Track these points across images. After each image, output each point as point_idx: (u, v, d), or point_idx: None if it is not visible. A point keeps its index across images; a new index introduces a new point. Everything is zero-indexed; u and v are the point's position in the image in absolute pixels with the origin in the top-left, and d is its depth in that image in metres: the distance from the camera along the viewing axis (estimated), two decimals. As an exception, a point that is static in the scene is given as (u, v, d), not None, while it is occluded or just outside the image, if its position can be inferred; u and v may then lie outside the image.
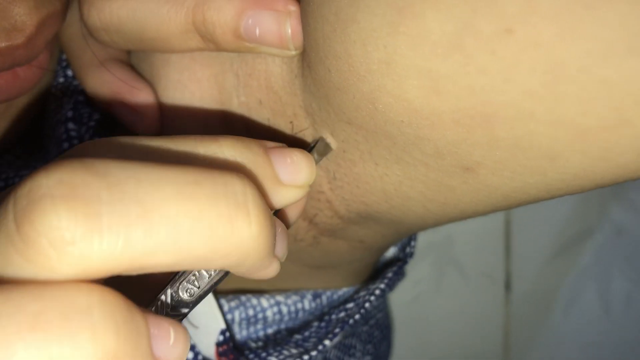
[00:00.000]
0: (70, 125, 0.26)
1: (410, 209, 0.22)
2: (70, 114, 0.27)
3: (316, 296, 0.29)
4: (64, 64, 0.28)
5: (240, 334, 0.28)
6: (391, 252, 0.33)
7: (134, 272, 0.16)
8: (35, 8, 0.22)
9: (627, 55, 0.14)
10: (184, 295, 0.18)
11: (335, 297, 0.30)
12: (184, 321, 0.26)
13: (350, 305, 0.29)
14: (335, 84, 0.19)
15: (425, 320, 0.75)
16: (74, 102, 0.27)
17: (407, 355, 0.75)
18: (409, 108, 0.18)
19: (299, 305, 0.29)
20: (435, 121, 0.18)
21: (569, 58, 0.15)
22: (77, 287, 0.14)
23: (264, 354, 0.27)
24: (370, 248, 0.28)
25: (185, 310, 0.18)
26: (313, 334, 0.28)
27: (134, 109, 0.24)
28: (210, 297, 0.26)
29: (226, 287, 0.28)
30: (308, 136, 0.22)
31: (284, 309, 0.28)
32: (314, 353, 0.27)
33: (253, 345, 0.28)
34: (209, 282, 0.18)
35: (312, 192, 0.24)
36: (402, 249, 0.33)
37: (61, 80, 0.28)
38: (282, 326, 0.29)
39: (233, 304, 0.27)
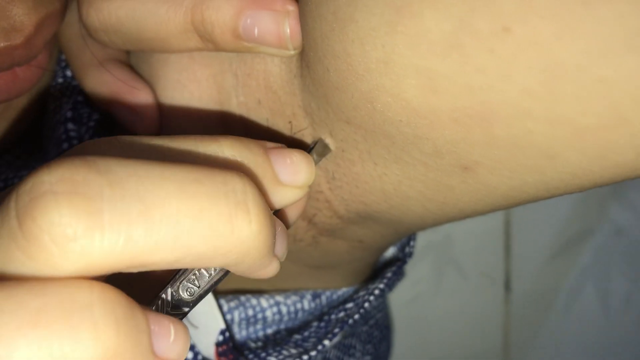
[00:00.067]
0: (70, 126, 0.26)
1: (409, 209, 0.22)
2: (69, 114, 0.27)
3: (315, 296, 0.29)
4: (63, 64, 0.28)
5: (239, 334, 0.28)
6: (390, 252, 0.33)
7: (135, 270, 0.16)
8: (34, 8, 0.22)
9: (625, 54, 0.14)
10: (184, 295, 0.18)
11: (334, 297, 0.30)
12: (184, 321, 0.26)
13: (349, 305, 0.29)
14: (334, 84, 0.19)
15: (424, 320, 0.75)
16: (73, 103, 0.27)
17: (406, 355, 0.75)
18: (408, 107, 0.18)
19: (299, 306, 0.29)
20: (434, 120, 0.18)
21: (567, 57, 0.15)
22: (78, 283, 0.14)
23: (263, 354, 0.27)
24: (370, 248, 0.28)
25: (185, 310, 0.18)
26: (312, 334, 0.28)
27: (133, 109, 0.24)
28: (209, 297, 0.26)
29: (226, 287, 0.28)
30: (307, 136, 0.22)
31: (284, 309, 0.28)
32: (313, 353, 0.27)
33: (252, 345, 0.28)
34: (209, 282, 0.19)
35: (311, 192, 0.24)
36: (402, 248, 0.33)
37: (60, 80, 0.28)
38: (282, 326, 0.29)
39: (232, 304, 0.27)
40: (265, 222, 0.17)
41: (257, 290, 0.29)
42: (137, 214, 0.15)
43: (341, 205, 0.23)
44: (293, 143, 0.23)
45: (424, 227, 0.25)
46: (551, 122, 0.16)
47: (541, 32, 0.15)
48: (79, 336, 0.14)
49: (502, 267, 0.75)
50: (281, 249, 0.19)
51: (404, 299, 0.73)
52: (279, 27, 0.20)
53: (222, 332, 0.26)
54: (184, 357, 0.16)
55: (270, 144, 0.20)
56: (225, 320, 0.27)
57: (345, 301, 0.30)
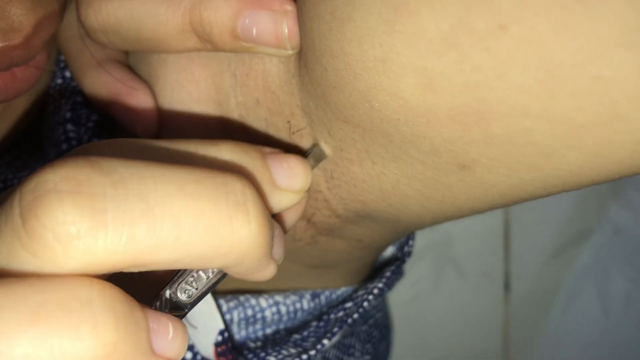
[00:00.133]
0: (69, 126, 0.26)
1: (407, 207, 0.22)
2: (68, 115, 0.27)
3: (315, 296, 0.29)
4: (62, 65, 0.28)
5: (239, 334, 0.28)
6: (389, 251, 0.33)
7: (136, 269, 0.16)
8: (33, 9, 0.22)
9: (621, 51, 0.15)
10: (182, 296, 0.18)
11: (333, 296, 0.30)
12: (182, 321, 0.26)
13: (348, 304, 0.29)
14: (332, 83, 0.19)
15: (424, 320, 0.75)
16: (72, 103, 0.27)
17: (406, 355, 0.75)
18: (405, 106, 0.18)
19: (298, 305, 0.29)
20: (431, 119, 0.18)
21: (563, 54, 0.15)
22: (78, 280, 0.14)
23: (262, 354, 0.27)
24: (369, 247, 0.28)
25: (183, 312, 0.18)
26: (312, 334, 0.28)
27: (132, 110, 0.25)
28: (208, 297, 0.26)
29: (225, 287, 0.28)
30: (305, 135, 0.22)
31: (283, 309, 0.28)
32: (312, 352, 0.27)
33: (252, 345, 0.28)
34: (206, 284, 0.19)
35: (310, 192, 0.24)
36: (400, 248, 0.33)
37: (59, 81, 0.28)
38: (281, 326, 0.29)
39: (232, 304, 0.27)
40: (264, 224, 0.17)
41: (256, 290, 0.29)
42: (139, 214, 0.15)
43: (340, 205, 0.23)
44: (291, 148, 0.23)
45: (422, 226, 0.25)
46: (548, 119, 0.16)
47: (537, 30, 0.15)
48: (78, 332, 0.14)
49: (501, 267, 0.75)
50: (278, 252, 0.19)
51: (403, 299, 0.73)
52: (277, 27, 0.20)
53: (221, 332, 0.26)
54: (183, 355, 0.16)
55: (267, 149, 0.20)
56: (224, 321, 0.27)
57: (345, 301, 0.30)
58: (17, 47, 0.22)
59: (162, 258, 0.16)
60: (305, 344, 0.28)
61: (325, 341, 0.28)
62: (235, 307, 0.27)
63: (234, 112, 0.24)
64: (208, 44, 0.22)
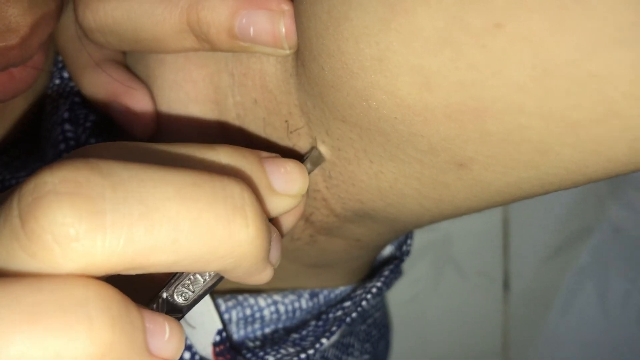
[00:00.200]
0: (67, 127, 0.27)
1: (405, 206, 0.22)
2: (66, 115, 0.27)
3: (313, 295, 0.29)
4: (60, 65, 0.28)
5: (237, 333, 0.28)
6: (388, 250, 0.33)
7: (134, 271, 0.16)
8: (29, 9, 0.22)
9: (616, 49, 0.15)
10: (179, 299, 0.18)
11: (332, 295, 0.30)
12: (181, 321, 0.26)
13: (347, 303, 0.29)
14: (329, 82, 0.19)
15: (423, 320, 0.75)
16: (70, 104, 0.27)
17: (405, 354, 0.75)
18: (402, 104, 0.18)
19: (296, 305, 0.29)
20: (428, 117, 0.18)
21: (558, 52, 0.15)
22: (74, 280, 0.14)
23: (261, 353, 0.27)
24: (367, 246, 0.28)
25: (179, 315, 0.18)
26: (310, 333, 0.28)
27: (130, 110, 0.25)
28: (206, 297, 0.26)
29: (223, 286, 0.28)
30: (303, 134, 0.22)
31: (281, 308, 0.28)
32: (311, 352, 0.27)
33: (251, 344, 0.28)
34: (203, 287, 0.19)
35: (308, 191, 0.24)
36: (399, 247, 0.33)
37: (57, 81, 0.28)
38: (280, 325, 0.29)
39: (230, 303, 0.27)
40: (262, 228, 0.17)
41: (255, 289, 0.29)
42: (138, 216, 0.15)
43: (338, 204, 0.24)
44: (288, 152, 0.23)
45: (420, 224, 0.25)
46: (543, 117, 0.16)
47: (532, 27, 0.15)
48: (74, 332, 0.14)
49: (500, 266, 0.75)
50: (275, 256, 0.19)
51: (402, 299, 0.73)
52: (275, 26, 0.21)
53: (219, 332, 0.26)
54: (179, 356, 0.16)
55: (265, 154, 0.20)
56: (222, 320, 0.27)
57: (343, 300, 0.30)
58: (14, 48, 0.22)
59: (160, 260, 0.16)
60: (304, 343, 0.28)
61: (324, 340, 0.28)
62: (234, 307, 0.27)
63: (232, 111, 0.24)
64: (205, 43, 0.22)
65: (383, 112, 0.19)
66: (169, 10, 0.22)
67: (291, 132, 0.23)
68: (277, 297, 0.28)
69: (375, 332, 0.35)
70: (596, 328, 0.75)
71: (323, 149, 0.22)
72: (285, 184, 0.20)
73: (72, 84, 0.28)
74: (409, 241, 0.33)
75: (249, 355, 0.27)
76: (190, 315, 0.26)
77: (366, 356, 0.33)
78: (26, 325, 0.14)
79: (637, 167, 0.17)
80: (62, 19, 0.25)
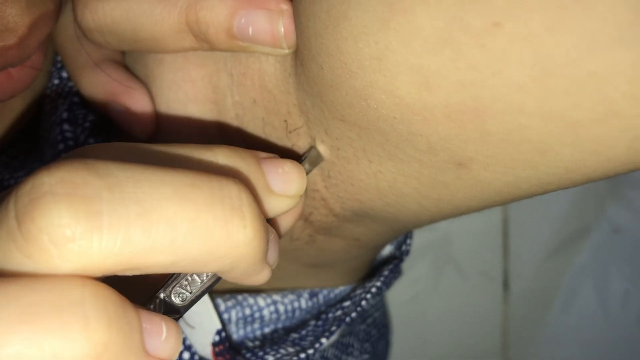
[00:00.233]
0: (66, 127, 0.26)
1: (404, 206, 0.22)
2: (65, 115, 0.27)
3: (313, 295, 0.29)
4: (59, 65, 0.28)
5: (237, 333, 0.28)
6: (387, 250, 0.33)
7: (131, 272, 0.16)
8: (28, 9, 0.22)
9: (615, 48, 0.15)
10: (176, 300, 0.18)
11: (331, 295, 0.30)
12: (180, 321, 0.26)
13: (347, 303, 0.29)
14: (328, 81, 0.19)
15: (423, 320, 0.75)
16: (69, 104, 0.27)
17: (405, 354, 0.75)
18: (401, 104, 0.18)
19: (296, 304, 0.29)
20: (427, 116, 0.18)
21: (557, 51, 0.15)
22: (70, 280, 0.14)
23: (261, 353, 0.27)
24: (366, 246, 0.28)
25: (177, 315, 0.18)
26: (310, 333, 0.28)
27: (129, 110, 0.25)
28: (205, 297, 0.26)
29: (223, 286, 0.28)
30: (302, 134, 0.22)
31: (281, 308, 0.28)
32: (311, 351, 0.27)
33: (250, 344, 0.28)
34: (200, 287, 0.19)
35: (307, 191, 0.24)
36: (398, 247, 0.33)
37: (56, 81, 0.28)
38: (279, 325, 0.29)
39: (230, 303, 0.27)
40: (260, 228, 0.17)
41: (254, 289, 0.29)
42: (135, 217, 0.15)
43: (337, 203, 0.24)
44: (287, 153, 0.23)
45: (420, 224, 0.25)
46: (543, 116, 0.16)
47: (532, 27, 0.15)
48: (69, 332, 0.14)
49: (500, 265, 0.75)
50: (273, 256, 0.19)
51: (402, 299, 0.73)
52: (273, 26, 0.20)
53: (218, 332, 0.26)
54: (176, 356, 0.16)
55: (263, 154, 0.20)
56: (222, 320, 0.27)
57: (343, 300, 0.30)
58: (12, 48, 0.22)
59: (157, 261, 0.16)
60: (303, 343, 0.28)
61: (324, 340, 0.28)
62: (233, 307, 0.27)
63: (231, 111, 0.24)
64: (204, 43, 0.22)
65: (382, 111, 0.19)
66: (167, 10, 0.21)
67: (290, 132, 0.23)
68: (276, 297, 0.28)
69: (374, 331, 0.35)
70: (596, 327, 0.75)
71: (322, 148, 0.22)
72: (283, 185, 0.20)
73: (70, 84, 0.28)
74: (408, 241, 0.33)
75: (248, 355, 0.27)
76: (190, 315, 0.26)
77: (366, 356, 0.33)
78: (22, 325, 0.14)
79: (637, 167, 0.17)
80: (60, 18, 0.25)
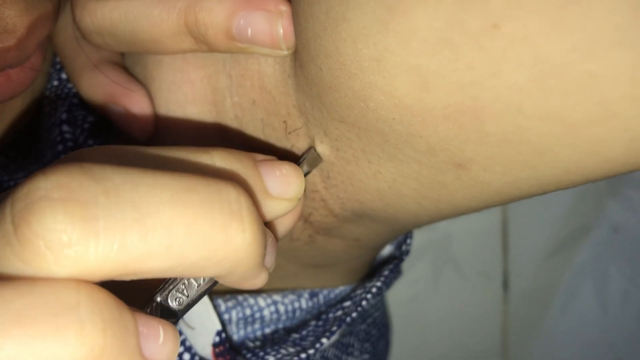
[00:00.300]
0: (65, 128, 0.26)
1: (404, 206, 0.22)
2: (64, 116, 0.27)
3: (313, 295, 0.29)
4: (58, 66, 0.28)
5: (237, 333, 0.28)
6: (387, 250, 0.33)
7: (128, 277, 0.16)
8: (26, 10, 0.22)
9: (613, 49, 0.15)
10: (173, 304, 0.18)
11: (332, 295, 0.30)
12: (180, 322, 0.26)
13: (347, 303, 0.29)
14: (327, 83, 0.19)
15: (423, 320, 0.75)
16: (68, 105, 0.27)
17: (405, 354, 0.75)
18: (400, 105, 0.18)
19: (296, 305, 0.29)
20: (426, 117, 0.18)
21: (555, 52, 0.15)
22: (65, 284, 0.14)
23: (261, 354, 0.27)
24: (366, 246, 0.28)
25: (173, 319, 0.18)
26: (310, 333, 0.28)
27: (129, 111, 0.25)
28: (205, 298, 0.26)
29: (223, 287, 0.28)
30: (302, 135, 0.22)
31: (281, 308, 0.28)
32: (311, 352, 0.27)
33: (251, 345, 0.28)
34: (197, 291, 0.19)
35: (307, 192, 0.24)
36: (398, 247, 0.33)
37: (55, 83, 0.28)
38: (280, 325, 0.29)
39: (230, 303, 0.27)
40: (259, 232, 0.17)
41: (255, 289, 0.29)
42: (131, 222, 0.15)
43: (336, 204, 0.24)
44: (286, 154, 0.23)
45: (419, 224, 0.25)
46: (541, 117, 0.16)
47: (530, 28, 0.15)
48: (64, 336, 0.14)
49: (499, 265, 0.75)
50: (270, 260, 0.19)
51: (402, 299, 0.73)
52: (272, 27, 0.20)
53: (219, 333, 0.26)
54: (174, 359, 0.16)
55: (260, 156, 0.20)
56: (222, 321, 0.27)
57: (343, 300, 0.30)
58: (11, 49, 0.22)
59: (154, 266, 0.15)
60: (304, 343, 0.28)
61: (324, 340, 0.28)
62: (234, 307, 0.27)
63: (230, 112, 0.24)
64: (203, 44, 0.22)
65: (381, 112, 0.19)
66: (166, 12, 0.21)
67: (290, 133, 0.23)
68: (277, 297, 0.28)
69: (375, 331, 0.35)
70: (595, 327, 0.75)
71: (321, 149, 0.22)
72: (280, 187, 0.20)
73: (70, 85, 0.28)
74: (408, 241, 0.33)
75: (249, 355, 0.27)
76: (190, 316, 0.26)
77: (366, 355, 0.33)
78: (16, 329, 0.13)
79: (635, 168, 0.17)
80: (59, 20, 0.25)
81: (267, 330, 0.29)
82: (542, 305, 0.76)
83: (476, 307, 0.76)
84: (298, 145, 0.23)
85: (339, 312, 0.29)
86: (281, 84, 0.22)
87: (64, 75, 0.28)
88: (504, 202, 0.21)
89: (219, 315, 0.27)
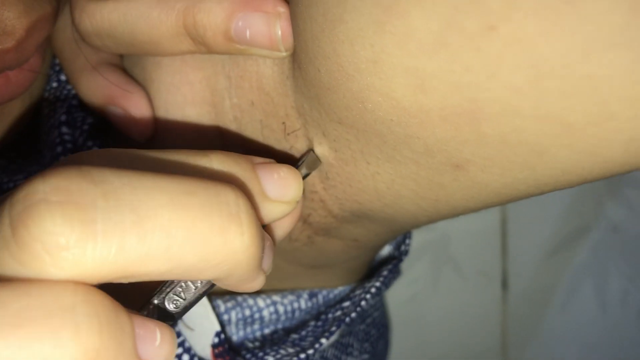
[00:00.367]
0: (64, 129, 0.27)
1: (402, 207, 0.22)
2: (63, 118, 0.27)
3: (312, 295, 0.29)
4: (57, 68, 0.28)
5: (237, 334, 0.28)
6: (386, 250, 0.33)
7: (126, 280, 0.16)
8: (25, 12, 0.22)
9: (609, 51, 0.15)
10: (170, 307, 0.18)
11: (331, 296, 0.30)
12: (179, 323, 0.26)
13: (346, 303, 0.29)
14: (325, 84, 0.19)
15: (422, 320, 0.75)
16: (67, 107, 0.27)
17: (404, 354, 0.75)
18: (398, 106, 0.18)
19: (296, 305, 0.29)
20: (424, 119, 0.18)
21: (552, 54, 0.15)
22: (62, 285, 0.14)
23: (261, 354, 0.27)
24: (365, 247, 0.28)
25: (171, 322, 0.18)
26: (310, 333, 0.28)
27: (128, 113, 0.25)
28: (204, 299, 0.26)
29: (222, 288, 0.28)
30: (300, 136, 0.23)
31: (281, 309, 0.28)
32: (310, 352, 0.27)
33: (250, 345, 0.28)
34: (195, 294, 0.19)
35: (306, 193, 0.24)
36: (397, 247, 0.33)
37: (54, 84, 0.28)
38: (279, 326, 0.29)
39: (229, 304, 0.27)
40: (257, 235, 0.17)
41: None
42: (130, 225, 0.15)
43: (335, 205, 0.24)
44: (285, 157, 0.23)
45: (418, 224, 0.25)
46: (539, 119, 0.16)
47: (526, 30, 0.15)
48: (60, 337, 0.14)
49: (499, 265, 0.75)
50: (267, 263, 0.19)
51: (401, 299, 0.73)
52: (271, 28, 0.21)
53: (218, 334, 0.26)
54: None
55: (258, 159, 0.20)
56: (221, 322, 0.27)
57: (342, 300, 0.30)
58: (10, 51, 0.22)
59: (153, 269, 0.16)
60: (303, 343, 0.28)
61: (324, 340, 0.28)
62: (233, 308, 0.27)
63: (229, 114, 0.24)
64: (202, 46, 0.22)
65: (379, 114, 0.19)
66: (165, 13, 0.22)
67: (288, 134, 0.23)
68: (276, 298, 0.28)
69: (374, 331, 0.35)
70: (595, 327, 0.75)
71: (320, 150, 0.22)
72: (279, 190, 0.20)
73: (69, 87, 0.28)
74: (407, 241, 0.33)
75: (248, 355, 0.27)
76: (189, 317, 0.26)
77: (365, 356, 0.33)
78: (12, 330, 0.13)
79: (633, 168, 0.17)
80: (58, 22, 0.25)
81: (267, 331, 0.29)
82: (542, 305, 0.76)
83: (476, 307, 0.76)
84: (297, 146, 0.23)
85: (338, 313, 0.29)
86: (279, 85, 0.22)
87: (63, 77, 0.28)
88: (503, 203, 0.21)
89: (218, 316, 0.27)
